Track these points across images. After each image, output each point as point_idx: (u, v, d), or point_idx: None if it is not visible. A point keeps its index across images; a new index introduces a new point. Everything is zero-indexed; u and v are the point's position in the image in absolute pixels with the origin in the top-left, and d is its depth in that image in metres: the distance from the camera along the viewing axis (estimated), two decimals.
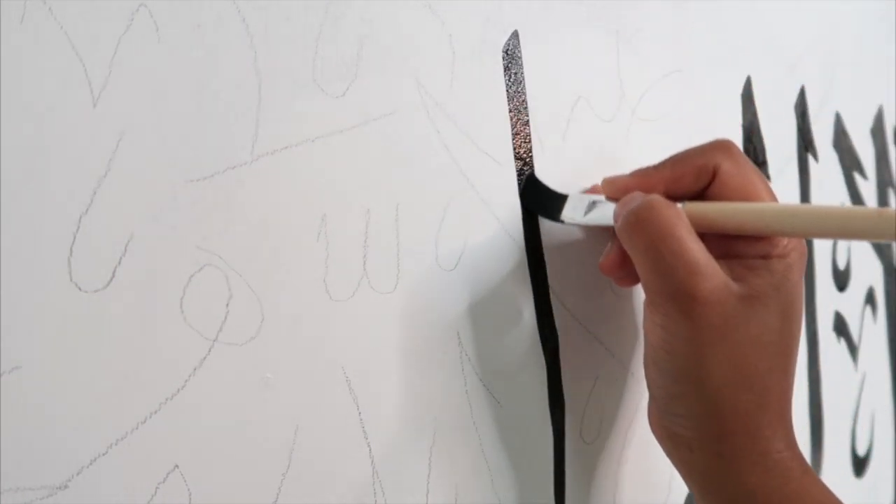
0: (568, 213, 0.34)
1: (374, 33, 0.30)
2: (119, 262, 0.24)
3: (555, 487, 0.36)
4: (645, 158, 0.40)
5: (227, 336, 0.26)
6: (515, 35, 0.35)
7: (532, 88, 0.35)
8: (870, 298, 0.59)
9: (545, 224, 0.36)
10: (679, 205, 0.31)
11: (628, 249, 0.31)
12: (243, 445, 0.27)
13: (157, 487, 0.25)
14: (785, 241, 0.31)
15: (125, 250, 0.24)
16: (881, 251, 0.61)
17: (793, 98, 0.51)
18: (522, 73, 0.35)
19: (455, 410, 0.33)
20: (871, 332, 0.60)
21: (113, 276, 0.24)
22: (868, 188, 0.60)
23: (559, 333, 0.36)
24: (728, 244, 0.31)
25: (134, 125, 0.25)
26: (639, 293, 0.40)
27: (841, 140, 0.57)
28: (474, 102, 0.33)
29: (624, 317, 0.39)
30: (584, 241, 0.37)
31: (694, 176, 0.32)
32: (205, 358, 0.26)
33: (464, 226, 0.33)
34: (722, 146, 0.32)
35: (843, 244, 0.56)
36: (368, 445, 0.30)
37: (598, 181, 0.38)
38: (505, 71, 0.34)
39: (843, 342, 0.56)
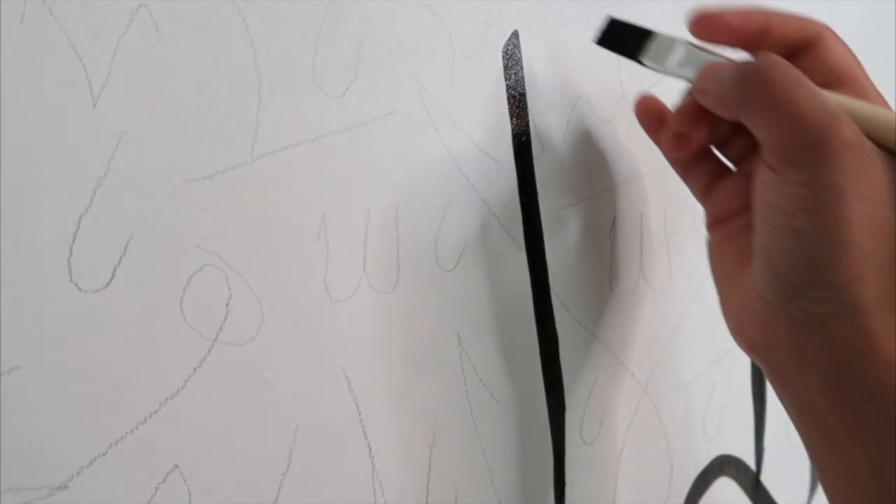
0: (653, 54, 0.31)
1: (374, 33, 0.30)
2: (119, 262, 0.24)
3: (555, 487, 0.36)
4: (645, 158, 0.40)
5: (227, 336, 0.26)
6: (515, 35, 0.35)
7: (532, 88, 0.35)
8: None
9: (545, 224, 0.36)
10: None
11: (745, 106, 0.28)
12: (243, 445, 0.27)
13: (157, 487, 0.25)
14: None
15: (125, 250, 0.24)
16: None
17: None
18: (522, 74, 0.35)
19: (455, 410, 0.33)
20: None
21: (113, 276, 0.24)
22: None
23: (559, 333, 0.36)
24: None
25: (134, 125, 0.25)
26: (639, 293, 0.40)
27: None
28: (474, 102, 0.33)
29: (624, 317, 0.39)
30: (585, 241, 0.37)
31: (795, 33, 0.29)
32: (205, 358, 0.26)
33: (464, 226, 0.33)
34: (824, 24, 0.29)
35: None
36: (368, 445, 0.30)
37: (599, 181, 0.38)
38: (505, 71, 0.34)
39: None
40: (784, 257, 0.27)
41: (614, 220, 0.39)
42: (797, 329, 0.27)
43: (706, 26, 0.30)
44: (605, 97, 0.38)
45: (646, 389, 0.40)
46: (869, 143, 0.26)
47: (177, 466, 0.25)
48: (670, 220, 0.42)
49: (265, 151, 0.27)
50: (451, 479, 0.32)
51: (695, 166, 0.34)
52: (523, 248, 0.35)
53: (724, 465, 0.46)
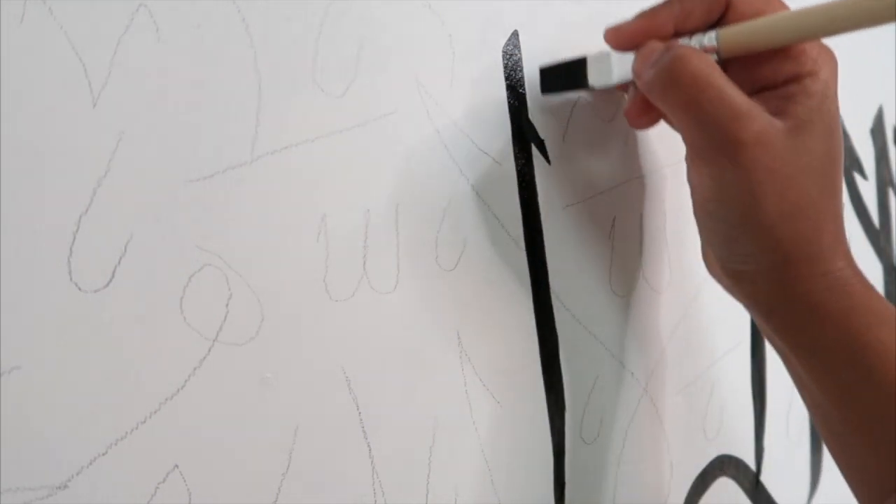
0: (594, 78, 0.33)
1: (374, 33, 0.30)
2: (119, 262, 0.24)
3: (554, 487, 0.36)
4: (645, 158, 0.40)
5: (226, 336, 0.26)
6: (515, 35, 0.35)
7: (532, 89, 0.35)
8: None
9: (545, 224, 0.36)
10: (713, 31, 0.30)
11: (663, 107, 0.31)
12: (243, 445, 0.27)
13: (157, 487, 0.25)
14: (813, 54, 0.30)
15: (125, 250, 0.24)
16: (881, 251, 0.61)
17: None
18: (522, 74, 0.35)
19: (455, 410, 0.33)
20: None
21: (113, 276, 0.24)
22: (868, 188, 0.60)
23: (559, 333, 0.36)
24: (758, 76, 0.31)
25: (134, 125, 0.25)
26: (639, 293, 0.40)
27: None
28: (474, 102, 0.33)
29: (624, 317, 0.39)
30: (585, 241, 0.37)
31: (705, 10, 0.31)
32: (204, 358, 0.26)
33: (464, 226, 0.33)
34: None
35: None
36: (368, 445, 0.30)
37: (599, 181, 0.38)
38: (505, 71, 0.34)
39: None
40: (709, 233, 0.32)
41: (614, 220, 0.39)
42: (733, 279, 0.32)
43: (621, 38, 0.32)
44: (605, 97, 0.38)
45: (646, 389, 0.40)
46: (771, 131, 0.29)
47: (177, 466, 0.25)
48: (670, 220, 0.42)
49: (265, 151, 0.27)
50: (451, 479, 0.32)
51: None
52: (523, 248, 0.35)
53: (724, 465, 0.46)
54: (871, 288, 0.31)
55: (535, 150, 0.35)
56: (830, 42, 0.31)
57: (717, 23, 0.31)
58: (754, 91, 0.30)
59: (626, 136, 0.39)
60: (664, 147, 0.40)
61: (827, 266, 0.30)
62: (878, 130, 0.61)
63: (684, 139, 0.31)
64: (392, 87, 0.31)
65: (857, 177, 0.59)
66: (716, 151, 0.29)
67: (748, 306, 0.33)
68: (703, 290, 0.44)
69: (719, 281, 0.34)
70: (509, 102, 0.35)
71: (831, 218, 0.31)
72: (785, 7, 0.31)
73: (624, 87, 0.35)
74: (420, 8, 0.32)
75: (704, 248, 0.34)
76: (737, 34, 0.30)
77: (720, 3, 0.31)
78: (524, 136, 0.35)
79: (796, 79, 0.30)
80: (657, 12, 0.31)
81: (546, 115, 0.36)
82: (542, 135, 0.35)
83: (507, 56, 0.35)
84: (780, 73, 0.30)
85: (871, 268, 0.60)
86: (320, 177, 0.29)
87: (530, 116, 0.35)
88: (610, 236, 0.39)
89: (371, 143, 0.30)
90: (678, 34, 0.31)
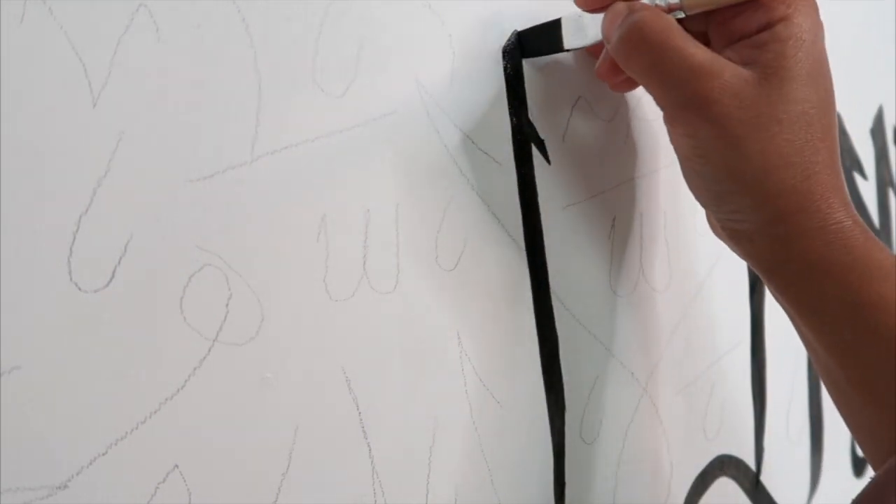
0: (569, 39, 0.33)
1: (374, 33, 0.30)
2: (119, 262, 0.24)
3: (555, 487, 0.36)
4: (645, 158, 0.40)
5: (226, 336, 0.26)
6: (515, 35, 0.35)
7: (532, 88, 0.35)
8: None
9: (545, 224, 0.36)
10: None
11: (630, 73, 0.31)
12: (243, 445, 0.27)
13: (157, 487, 0.25)
14: (784, 2, 0.29)
15: (125, 250, 0.24)
16: None
17: None
18: (522, 74, 0.35)
19: (455, 410, 0.33)
20: None
21: (113, 276, 0.24)
22: (868, 188, 0.60)
23: (559, 333, 0.36)
24: (733, 28, 0.30)
25: (134, 125, 0.25)
26: (639, 293, 0.40)
27: (841, 140, 0.57)
28: (474, 102, 0.33)
29: (624, 317, 0.39)
30: (585, 241, 0.37)
31: None
32: (204, 358, 0.26)
33: (464, 226, 0.33)
34: None
35: None
36: (368, 445, 0.30)
37: (599, 181, 0.38)
38: (505, 71, 0.34)
39: None
40: (699, 192, 0.32)
41: (614, 220, 0.39)
42: (733, 239, 0.32)
43: (592, 1, 0.32)
44: (605, 97, 0.38)
45: (646, 389, 0.40)
46: (739, 82, 0.29)
47: (177, 466, 0.25)
48: (670, 220, 0.42)
49: (265, 151, 0.27)
50: (451, 479, 0.32)
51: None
52: (523, 248, 0.35)
53: (724, 465, 0.46)
54: (871, 238, 0.30)
55: (535, 150, 0.35)
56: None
57: None
58: (730, 43, 0.30)
59: (625, 136, 0.39)
60: (664, 147, 0.40)
61: (823, 218, 0.29)
62: (878, 130, 0.61)
63: (656, 102, 0.31)
64: (392, 87, 0.31)
65: (857, 177, 0.59)
66: (686, 110, 0.29)
67: (751, 265, 0.33)
68: (703, 290, 0.44)
69: (723, 240, 0.34)
70: (509, 102, 0.35)
71: (823, 167, 0.30)
72: None
73: (597, 49, 0.35)
74: (420, 8, 0.32)
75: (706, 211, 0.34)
76: None
77: None
78: (524, 136, 0.35)
79: (768, 26, 0.29)
80: None
81: (546, 115, 0.36)
82: (542, 135, 0.35)
83: (507, 56, 0.35)
84: (752, 22, 0.30)
85: None
86: (320, 177, 0.29)
87: (530, 116, 0.35)
88: (610, 236, 0.39)
89: (371, 143, 0.30)
90: None
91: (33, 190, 0.23)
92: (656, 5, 0.30)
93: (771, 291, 0.33)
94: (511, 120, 0.35)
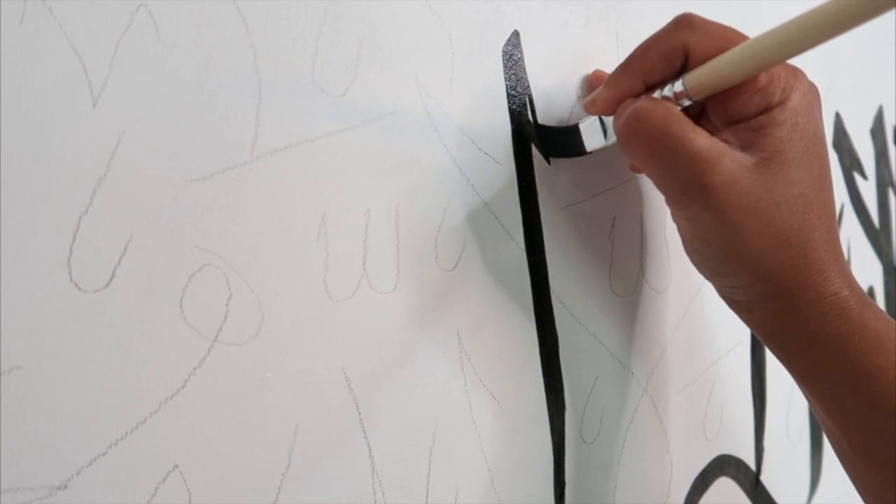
0: (589, 142, 0.34)
1: (374, 33, 0.30)
2: (119, 262, 0.24)
3: (555, 487, 0.36)
4: None
5: (226, 336, 0.26)
6: (515, 35, 0.35)
7: (532, 88, 0.35)
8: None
9: (545, 224, 0.36)
10: (679, 80, 0.30)
11: (631, 160, 0.31)
12: (243, 445, 0.27)
13: (156, 487, 0.25)
14: (782, 83, 0.30)
15: (125, 250, 0.24)
16: (881, 251, 0.61)
17: None
18: (522, 73, 0.35)
19: (455, 410, 0.33)
20: None
21: (113, 276, 0.24)
22: (868, 188, 0.60)
23: (559, 333, 0.36)
24: (732, 110, 0.30)
25: (134, 125, 0.25)
26: (639, 293, 0.40)
27: (841, 140, 0.57)
28: (474, 102, 0.33)
29: (624, 317, 0.39)
30: (585, 241, 0.37)
31: (665, 62, 0.31)
32: (204, 358, 0.26)
33: (464, 226, 0.33)
34: (683, 22, 0.31)
35: (842, 243, 0.56)
36: (368, 445, 0.30)
37: (599, 181, 0.38)
38: (505, 71, 0.34)
39: None
40: (699, 267, 0.33)
41: (614, 220, 0.39)
42: (733, 308, 0.33)
43: (599, 107, 0.33)
44: None
45: (646, 389, 0.40)
46: (738, 169, 0.29)
47: (177, 466, 0.25)
48: (670, 220, 0.42)
49: (265, 151, 0.27)
50: (451, 479, 0.32)
51: None
52: (523, 248, 0.35)
53: (724, 465, 0.46)
54: (869, 306, 0.31)
55: (535, 150, 0.35)
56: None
57: (685, 67, 0.31)
58: (729, 125, 0.31)
59: None
60: None
61: (820, 291, 0.30)
62: (878, 130, 0.61)
63: (657, 187, 0.31)
64: (392, 87, 0.31)
65: (857, 177, 0.59)
66: (686, 197, 0.30)
67: (752, 329, 0.34)
68: (703, 290, 0.44)
69: (727, 304, 0.34)
70: (509, 102, 0.35)
71: (820, 242, 0.30)
72: (744, 39, 0.30)
73: None
74: (420, 8, 0.32)
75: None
76: (700, 76, 0.30)
77: (677, 51, 0.31)
78: (524, 136, 0.35)
79: (766, 110, 0.30)
80: (620, 77, 0.32)
81: (546, 114, 0.36)
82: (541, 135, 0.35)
83: (507, 56, 0.35)
84: (750, 106, 0.30)
85: (871, 268, 0.60)
86: (320, 177, 0.29)
87: (530, 116, 0.35)
88: (610, 236, 0.39)
89: (371, 143, 0.30)
90: (651, 88, 0.31)
91: (33, 190, 0.23)
92: (663, 97, 0.31)
93: (773, 354, 0.34)
94: (511, 120, 0.35)
